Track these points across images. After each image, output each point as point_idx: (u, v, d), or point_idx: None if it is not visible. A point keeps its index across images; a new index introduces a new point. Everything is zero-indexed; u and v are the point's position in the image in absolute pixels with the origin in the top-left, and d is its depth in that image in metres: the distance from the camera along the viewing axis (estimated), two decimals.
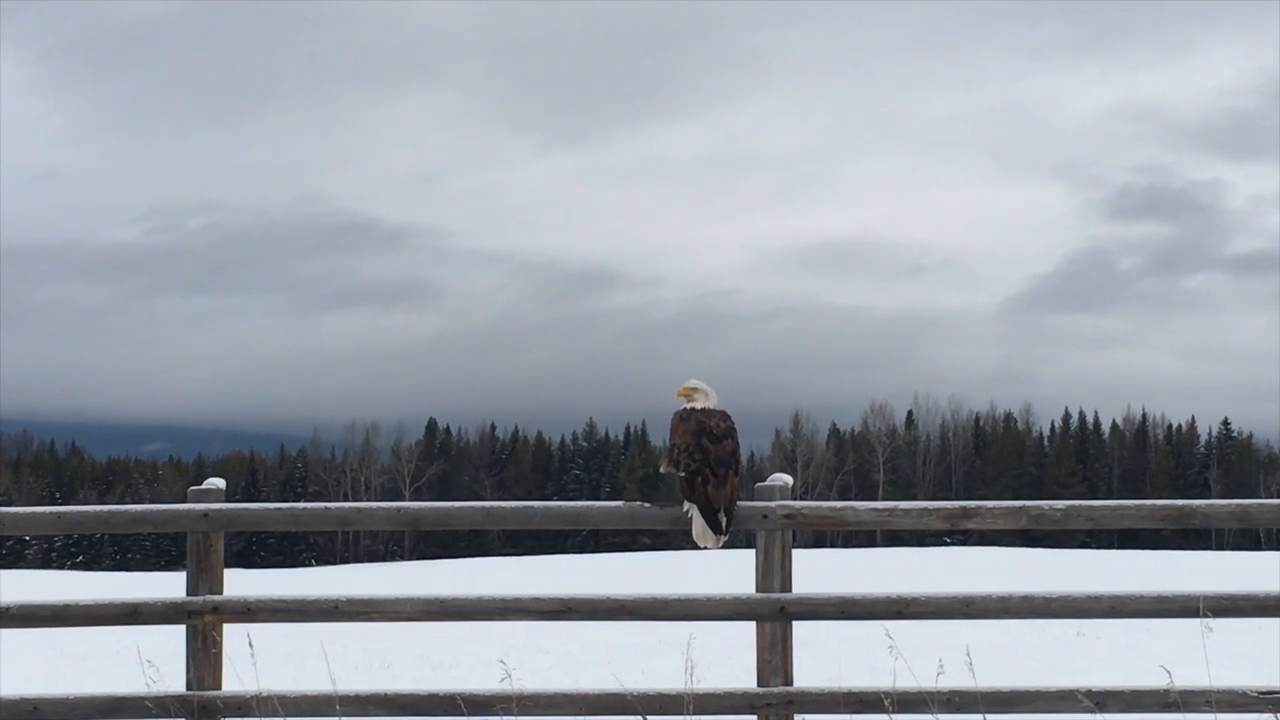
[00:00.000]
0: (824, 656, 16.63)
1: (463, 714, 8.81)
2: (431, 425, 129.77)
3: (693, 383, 9.15)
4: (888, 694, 8.67)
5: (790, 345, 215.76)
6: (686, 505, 8.85)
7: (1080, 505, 8.91)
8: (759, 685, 8.86)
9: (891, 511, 9.02)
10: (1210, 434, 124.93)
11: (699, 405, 9.05)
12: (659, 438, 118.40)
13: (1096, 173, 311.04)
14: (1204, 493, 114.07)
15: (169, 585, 42.76)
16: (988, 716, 8.75)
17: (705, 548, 8.87)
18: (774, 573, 8.90)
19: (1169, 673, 8.70)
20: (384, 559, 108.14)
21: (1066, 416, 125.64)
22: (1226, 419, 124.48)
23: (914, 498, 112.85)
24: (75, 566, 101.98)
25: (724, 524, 8.80)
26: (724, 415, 9.04)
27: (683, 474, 8.85)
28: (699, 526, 8.79)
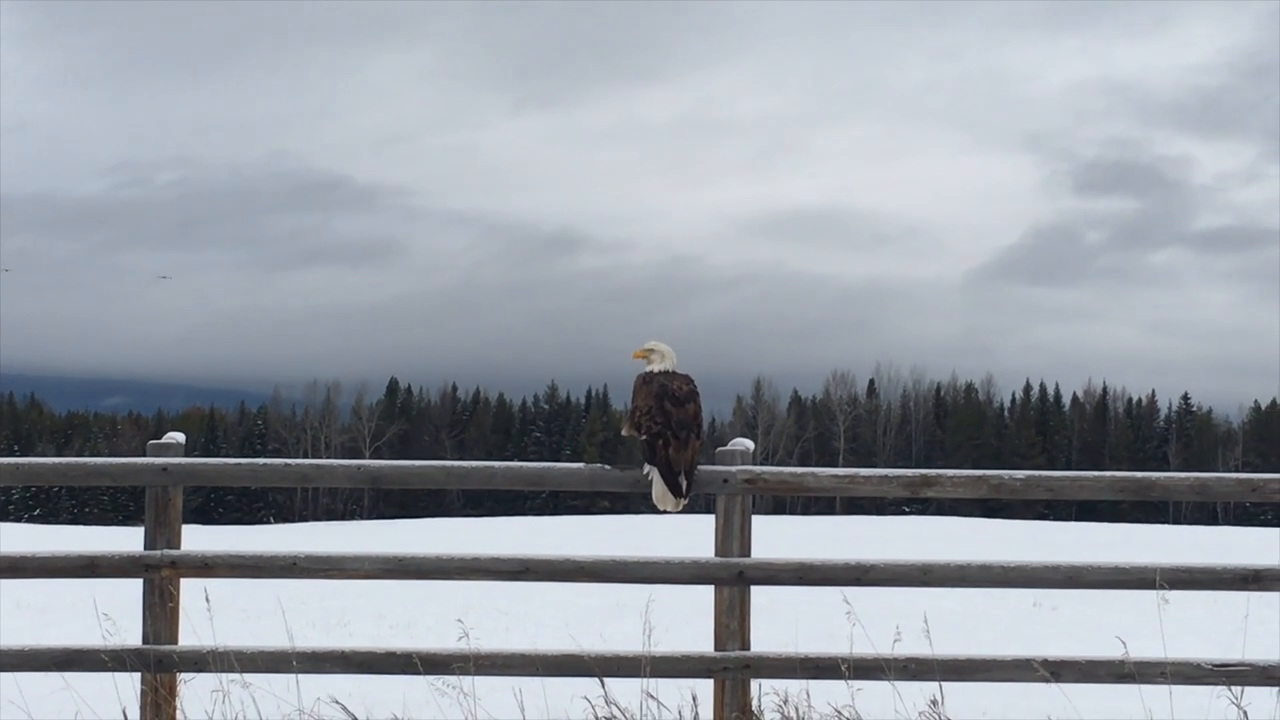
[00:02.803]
0: (781, 622, 16.67)
1: (419, 673, 8.80)
2: (393, 385, 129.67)
3: (651, 344, 9.13)
4: (844, 660, 8.70)
5: (754, 312, 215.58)
6: (647, 468, 8.84)
7: (1040, 475, 8.94)
8: (716, 649, 8.87)
9: (852, 478, 9.03)
10: (1170, 408, 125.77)
11: (657, 367, 9.04)
12: (620, 401, 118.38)
13: (1065, 146, 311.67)
14: (1163, 467, 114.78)
15: (127, 540, 42.58)
16: (944, 684, 8.79)
17: (665, 511, 8.85)
18: (733, 537, 8.90)
19: (1124, 644, 8.75)
20: (343, 518, 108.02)
21: (1027, 388, 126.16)
22: (1186, 394, 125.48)
23: (874, 466, 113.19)
24: (32, 520, 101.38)
25: (684, 487, 8.79)
26: (687, 379, 9.02)
27: (644, 437, 8.83)
28: (659, 489, 8.78)
